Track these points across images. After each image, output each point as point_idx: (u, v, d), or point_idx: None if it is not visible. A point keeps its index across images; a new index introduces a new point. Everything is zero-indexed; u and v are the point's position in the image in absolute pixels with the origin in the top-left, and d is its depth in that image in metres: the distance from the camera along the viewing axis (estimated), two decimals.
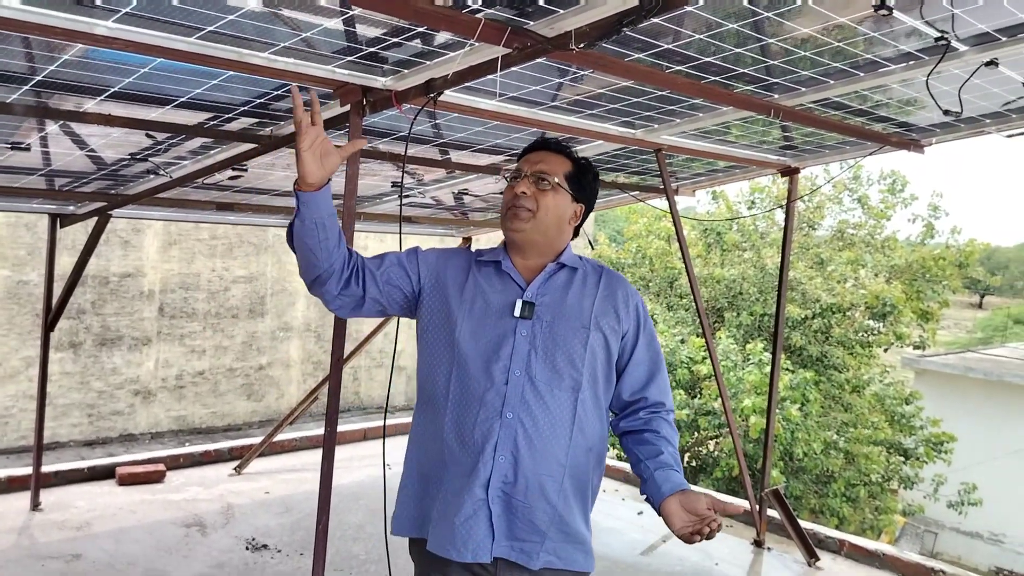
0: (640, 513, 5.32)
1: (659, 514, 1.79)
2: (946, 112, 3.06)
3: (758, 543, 4.78)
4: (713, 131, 3.91)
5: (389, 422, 7.28)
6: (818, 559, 4.55)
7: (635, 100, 3.32)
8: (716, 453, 11.59)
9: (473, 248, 2.15)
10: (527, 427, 1.80)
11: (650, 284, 13.13)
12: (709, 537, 1.70)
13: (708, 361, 10.82)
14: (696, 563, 4.53)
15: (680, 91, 3.06)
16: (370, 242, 10.79)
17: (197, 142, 3.56)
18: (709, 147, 4.11)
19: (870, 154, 4.11)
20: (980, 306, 49.34)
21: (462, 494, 1.80)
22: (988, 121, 3.71)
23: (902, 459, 11.97)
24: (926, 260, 12.23)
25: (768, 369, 10.59)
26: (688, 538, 1.72)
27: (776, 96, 3.27)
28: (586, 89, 3.16)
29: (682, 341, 11.97)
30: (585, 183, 2.00)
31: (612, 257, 13.41)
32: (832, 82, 3.04)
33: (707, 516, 1.69)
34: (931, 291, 12.36)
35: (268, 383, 10.31)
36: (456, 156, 4.12)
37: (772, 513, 4.77)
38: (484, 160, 4.22)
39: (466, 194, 5.16)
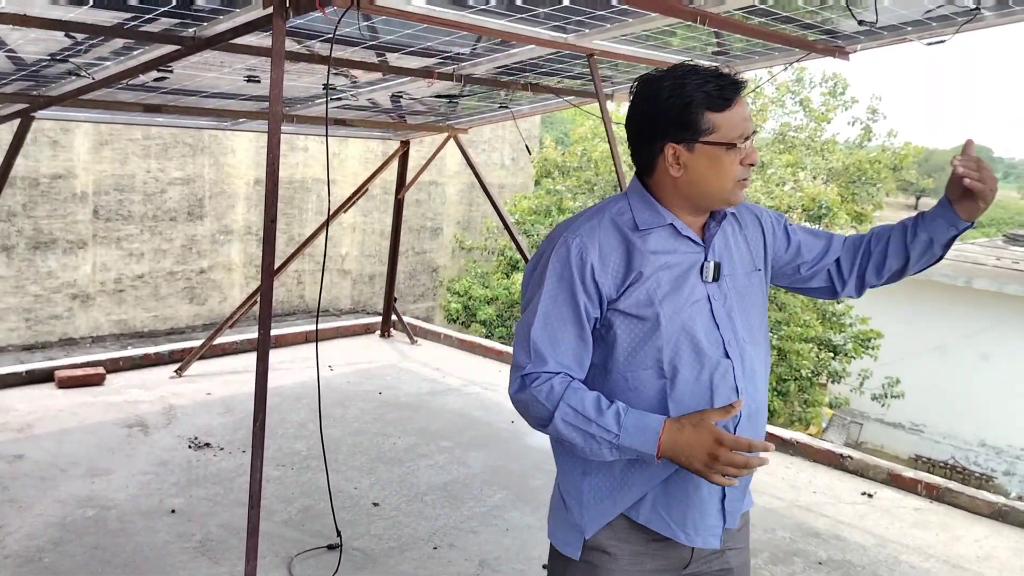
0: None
1: (961, 218, 1.71)
2: (860, 22, 3.12)
3: None
4: (649, 37, 3.92)
5: (331, 325, 7.36)
6: None
7: (565, 4, 3.31)
8: None
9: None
10: (754, 400, 1.66)
11: (595, 187, 13.20)
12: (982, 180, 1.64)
13: None
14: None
15: None
16: (310, 143, 10.60)
17: (118, 43, 3.46)
18: (641, 52, 4.13)
19: (797, 60, 4.18)
20: (916, 208, 50.88)
21: (691, 480, 1.62)
22: (909, 29, 3.78)
23: (831, 355, 12.54)
24: (862, 163, 12.49)
25: None
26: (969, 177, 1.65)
27: (703, 3, 3.29)
28: None
29: None
30: None
31: (558, 160, 13.41)
32: None
33: (966, 159, 1.66)
34: (866, 193, 12.68)
35: (210, 286, 10.26)
36: (391, 59, 4.08)
37: None
38: (417, 63, 4.18)
39: (403, 96, 5.11)
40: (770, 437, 5.03)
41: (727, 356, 1.63)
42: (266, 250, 3.01)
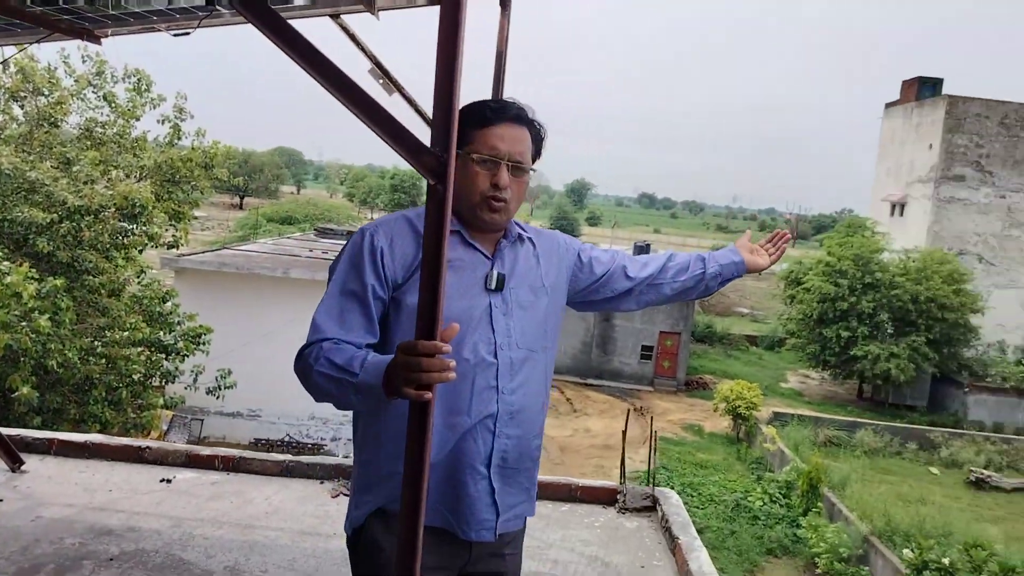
0: None
1: (747, 269, 2.30)
2: None
3: None
4: None
5: None
6: (23, 463, 4.40)
7: None
8: None
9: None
10: (519, 397, 1.88)
11: None
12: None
13: None
14: None
15: None
16: None
17: None
18: None
19: (40, 40, 3.93)
20: (241, 207, 53.69)
21: (457, 473, 1.83)
22: (155, 19, 3.88)
23: (163, 356, 12.42)
24: (175, 161, 12.59)
25: (10, 279, 9.70)
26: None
27: None
28: None
29: None
30: (540, 151, 1.98)
31: None
32: None
33: (774, 239, 2.38)
34: (181, 192, 12.84)
35: None
36: None
37: None
38: None
39: None
40: (61, 444, 4.69)
41: (495, 357, 1.84)
42: None
